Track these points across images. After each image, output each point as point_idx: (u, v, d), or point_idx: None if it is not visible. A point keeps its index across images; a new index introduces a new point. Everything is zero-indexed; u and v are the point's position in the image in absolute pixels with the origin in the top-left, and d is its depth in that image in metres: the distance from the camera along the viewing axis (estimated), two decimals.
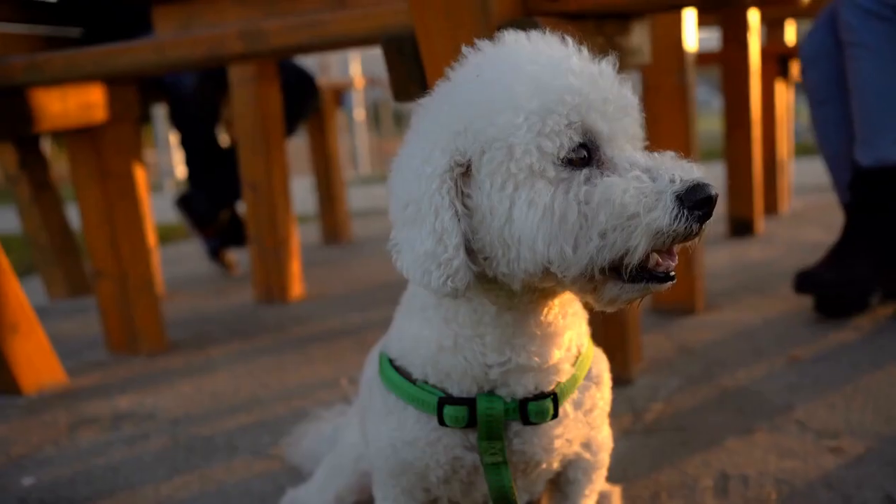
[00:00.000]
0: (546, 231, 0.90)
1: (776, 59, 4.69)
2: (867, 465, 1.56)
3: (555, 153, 0.91)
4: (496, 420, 1.04)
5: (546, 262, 0.92)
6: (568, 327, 1.08)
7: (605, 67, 0.98)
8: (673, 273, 0.94)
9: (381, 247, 1.00)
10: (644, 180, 0.90)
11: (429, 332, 1.06)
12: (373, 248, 4.60)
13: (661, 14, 2.47)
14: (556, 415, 1.07)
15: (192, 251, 4.88)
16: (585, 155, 0.93)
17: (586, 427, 1.14)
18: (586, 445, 1.18)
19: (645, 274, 0.93)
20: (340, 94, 5.32)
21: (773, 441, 1.71)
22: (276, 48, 1.78)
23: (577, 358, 1.11)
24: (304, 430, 1.75)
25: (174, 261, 4.77)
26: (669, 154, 0.97)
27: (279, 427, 1.95)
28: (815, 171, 7.56)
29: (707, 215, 0.90)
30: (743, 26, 3.93)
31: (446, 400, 1.05)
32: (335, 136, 5.00)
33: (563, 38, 1.00)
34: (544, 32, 1.34)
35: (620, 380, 2.06)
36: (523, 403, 1.05)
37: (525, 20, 1.41)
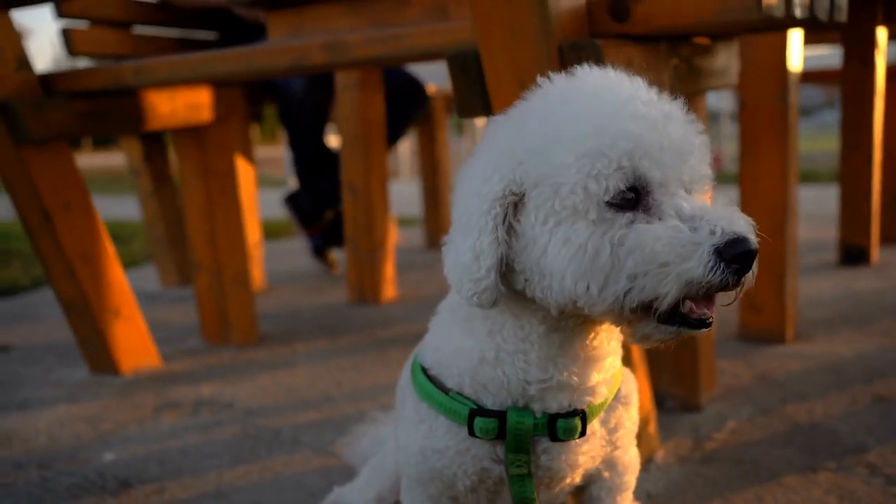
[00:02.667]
0: (576, 268, 0.93)
1: None
2: None
3: (600, 195, 0.92)
4: (525, 434, 1.06)
5: (574, 297, 0.94)
6: (612, 352, 1.10)
7: (672, 110, 0.98)
8: (709, 320, 0.94)
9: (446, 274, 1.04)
10: (682, 230, 0.90)
11: (472, 343, 1.08)
12: None
13: (754, 35, 2.40)
14: (584, 433, 1.08)
15: (299, 248, 5.06)
16: (633, 198, 0.94)
17: (610, 445, 1.15)
18: (610, 464, 1.18)
19: (678, 318, 0.94)
20: (451, 101, 5.39)
21: (836, 482, 1.64)
22: (357, 60, 1.84)
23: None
24: (362, 432, 1.80)
25: (280, 256, 4.95)
26: (722, 202, 0.97)
27: (343, 426, 2.01)
28: None
29: (745, 269, 0.90)
30: (869, 44, 3.74)
31: (477, 412, 1.07)
32: (444, 141, 5.08)
33: (637, 76, 1.02)
34: (600, 57, 1.35)
35: (687, 406, 2.03)
36: (552, 420, 1.06)
37: (586, 42, 1.41)
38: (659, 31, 1.49)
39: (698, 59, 1.76)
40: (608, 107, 0.95)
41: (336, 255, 4.43)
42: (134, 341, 2.62)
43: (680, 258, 0.89)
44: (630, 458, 1.21)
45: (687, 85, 1.71)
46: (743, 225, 0.91)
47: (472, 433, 1.07)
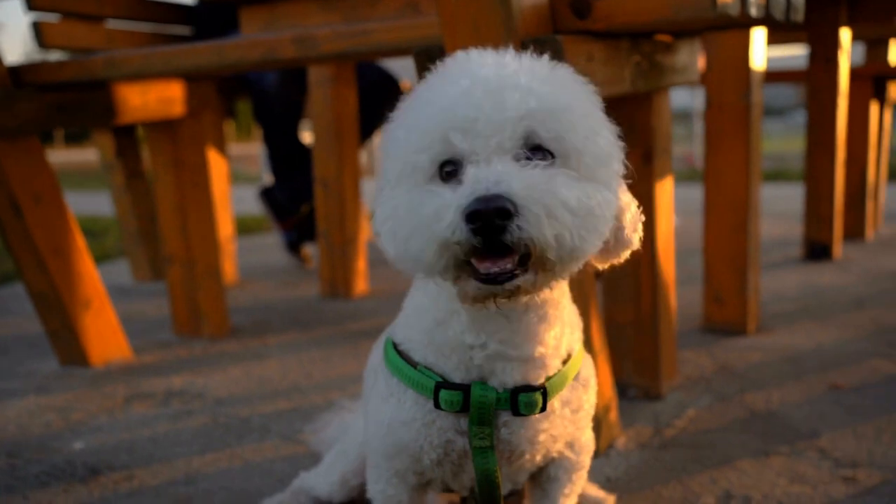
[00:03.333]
0: (390, 230, 0.99)
1: (872, 80, 4.54)
2: (878, 497, 1.54)
3: (424, 168, 0.98)
4: (488, 407, 1.09)
5: (393, 259, 1.01)
6: (548, 324, 1.10)
7: (521, 81, 0.97)
8: (499, 276, 0.91)
9: None
10: (440, 195, 0.93)
11: (427, 302, 1.13)
12: None
13: (721, 32, 2.46)
14: (544, 408, 1.11)
15: (272, 243, 5.07)
16: (453, 170, 0.97)
17: (572, 426, 1.18)
18: (570, 445, 1.22)
19: (476, 274, 0.93)
20: None
21: (788, 465, 1.70)
22: (325, 54, 1.87)
23: (569, 359, 1.15)
24: (328, 419, 1.84)
25: (253, 250, 4.96)
26: (529, 170, 0.94)
27: (312, 415, 2.03)
28: None
29: (482, 230, 0.88)
30: (833, 45, 3.82)
31: (443, 384, 1.10)
32: None
33: (513, 54, 1.04)
34: (560, 52, 1.39)
35: (649, 394, 2.09)
36: (514, 394, 1.09)
37: (547, 37, 1.45)
38: (620, 27, 1.54)
39: (660, 55, 1.81)
40: (443, 86, 1.00)
41: (310, 249, 4.45)
42: (104, 333, 2.63)
43: (431, 220, 0.91)
44: (586, 439, 1.26)
45: (649, 81, 1.76)
46: (506, 186, 0.88)
47: (437, 406, 1.11)
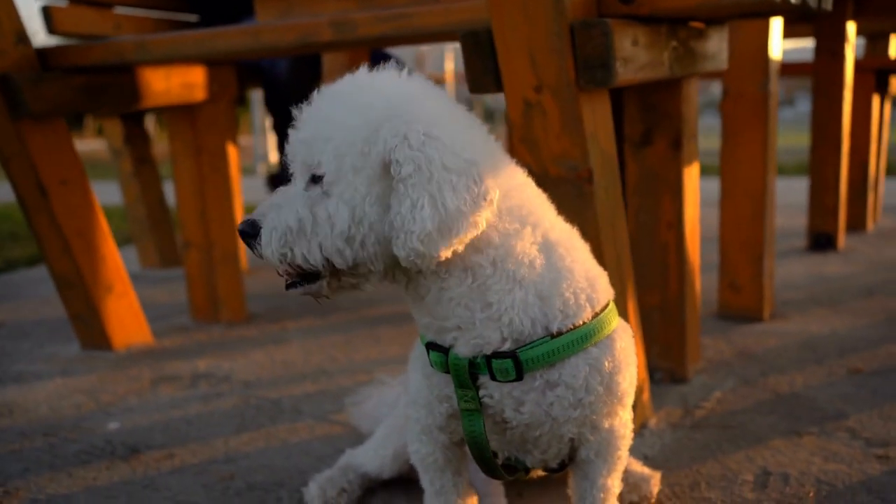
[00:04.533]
0: None
1: (874, 73, 4.59)
2: None
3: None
4: (461, 370, 1.13)
5: None
6: (466, 300, 1.10)
7: (320, 110, 1.12)
8: (288, 282, 1.13)
9: None
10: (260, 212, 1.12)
11: None
12: None
13: (744, 21, 2.49)
14: (518, 377, 1.11)
15: None
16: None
17: (581, 409, 1.15)
18: (592, 429, 1.20)
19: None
20: None
21: (820, 445, 1.73)
22: (364, 38, 1.89)
23: (558, 335, 1.11)
24: (368, 394, 1.86)
25: None
26: (291, 193, 1.13)
27: (342, 397, 2.06)
28: None
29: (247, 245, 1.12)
30: (839, 38, 3.86)
31: (430, 345, 1.17)
32: None
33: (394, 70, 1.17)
34: (609, 35, 1.41)
35: (675, 377, 2.12)
36: (489, 359, 1.11)
37: (597, 21, 1.47)
38: (663, 12, 1.56)
39: (693, 41, 1.83)
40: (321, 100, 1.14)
41: None
42: (127, 317, 2.64)
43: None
44: (613, 424, 1.22)
45: (685, 66, 1.79)
46: (259, 212, 1.12)
47: (431, 364, 1.18)
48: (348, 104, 1.09)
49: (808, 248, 3.98)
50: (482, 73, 1.58)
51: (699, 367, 2.25)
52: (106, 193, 2.40)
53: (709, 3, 1.53)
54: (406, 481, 1.58)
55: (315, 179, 1.09)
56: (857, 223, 4.54)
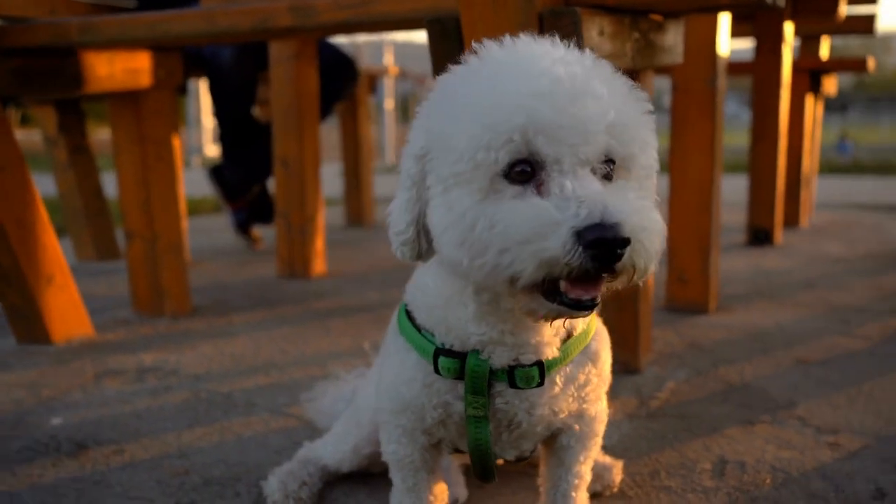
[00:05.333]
0: (454, 236, 0.95)
1: (809, 74, 4.73)
2: (862, 460, 1.62)
3: (489, 165, 0.93)
4: (481, 377, 1.10)
5: (453, 264, 0.97)
6: None
7: (593, 87, 0.95)
8: (587, 303, 0.92)
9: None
10: (546, 208, 0.89)
11: (432, 283, 1.14)
12: None
13: (695, 16, 2.53)
14: (541, 383, 1.12)
15: (218, 224, 4.98)
16: (528, 172, 0.94)
17: (577, 401, 1.18)
18: (577, 417, 1.22)
19: (558, 296, 0.93)
20: (374, 82, 5.40)
21: (774, 433, 1.77)
22: (324, 24, 1.85)
23: (570, 337, 1.15)
24: (323, 389, 1.83)
25: (200, 232, 4.87)
26: (626, 187, 0.97)
27: (296, 390, 2.03)
28: (838, 189, 7.58)
29: (602, 257, 0.88)
30: (778, 38, 3.96)
31: (441, 351, 1.12)
32: (367, 122, 5.09)
33: (575, 50, 1.02)
34: (579, 24, 1.41)
35: (629, 368, 2.14)
36: (512, 367, 1.10)
37: (566, 9, 1.47)
38: (628, 2, 1.57)
39: (653, 34, 1.85)
40: (515, 80, 0.95)
41: (260, 230, 4.38)
42: (67, 310, 2.55)
43: (538, 236, 0.88)
44: (598, 410, 1.25)
45: (644, 58, 1.80)
46: (619, 212, 0.88)
47: (437, 371, 1.12)
48: (623, 86, 1.01)
49: (747, 243, 4.08)
50: (449, 61, 1.55)
51: (651, 358, 2.27)
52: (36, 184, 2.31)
53: None
54: (366, 475, 1.55)
55: (608, 166, 0.97)
56: (791, 219, 4.67)
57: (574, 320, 1.14)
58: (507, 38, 1.04)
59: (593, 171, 0.95)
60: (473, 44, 1.05)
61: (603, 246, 0.87)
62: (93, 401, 2.05)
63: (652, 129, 1.03)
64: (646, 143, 1.01)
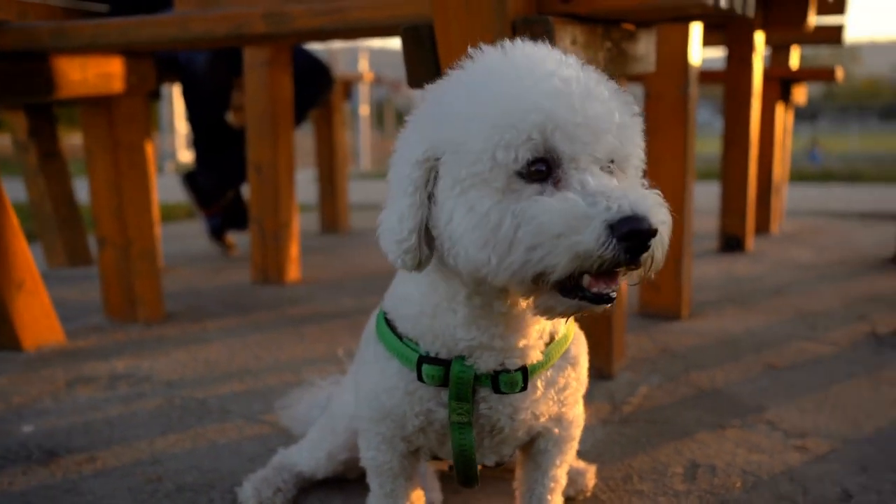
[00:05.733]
0: (478, 237, 0.95)
1: (778, 83, 4.80)
2: (829, 463, 1.65)
3: (508, 164, 0.94)
4: (466, 384, 1.11)
5: (477, 266, 0.97)
6: (538, 319, 1.11)
7: (596, 88, 0.99)
8: (609, 296, 0.94)
9: (377, 238, 1.07)
10: (577, 203, 0.91)
11: (416, 293, 1.14)
12: (369, 238, 4.67)
13: (668, 25, 2.56)
14: (525, 388, 1.13)
15: (191, 231, 4.95)
16: (544, 171, 0.95)
17: (557, 404, 1.20)
18: (556, 420, 1.24)
19: (578, 292, 0.94)
20: (348, 88, 5.40)
21: (743, 437, 1.79)
22: (299, 30, 1.86)
23: (552, 341, 1.17)
24: (298, 396, 1.82)
25: (173, 238, 4.84)
26: (635, 183, 1.01)
27: (270, 396, 2.02)
28: (808, 197, 7.69)
29: (638, 248, 0.90)
30: (749, 47, 4.01)
31: (425, 359, 1.12)
32: (342, 128, 5.09)
33: (567, 53, 1.05)
34: (552, 33, 1.43)
35: (602, 373, 2.15)
36: (496, 373, 1.12)
37: (538, 17, 1.49)
38: (602, 12, 1.59)
39: (625, 43, 1.87)
40: (527, 80, 0.97)
41: (234, 237, 4.37)
42: (37, 316, 2.53)
43: (571, 230, 0.89)
44: (575, 414, 1.28)
45: (616, 67, 1.82)
46: (644, 205, 0.91)
47: (420, 379, 1.13)
48: (615, 89, 1.03)
49: (718, 250, 4.12)
50: (422, 67, 1.58)
51: (624, 364, 2.29)
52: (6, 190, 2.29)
53: (648, 4, 1.56)
54: (341, 480, 1.56)
55: (609, 165, 0.99)
56: (762, 226, 4.73)
57: (556, 325, 1.16)
58: (506, 43, 1.06)
59: (602, 170, 0.98)
60: (469, 49, 1.06)
61: (636, 238, 0.89)
62: (64, 408, 2.04)
63: (641, 130, 1.06)
64: (638, 144, 1.04)
